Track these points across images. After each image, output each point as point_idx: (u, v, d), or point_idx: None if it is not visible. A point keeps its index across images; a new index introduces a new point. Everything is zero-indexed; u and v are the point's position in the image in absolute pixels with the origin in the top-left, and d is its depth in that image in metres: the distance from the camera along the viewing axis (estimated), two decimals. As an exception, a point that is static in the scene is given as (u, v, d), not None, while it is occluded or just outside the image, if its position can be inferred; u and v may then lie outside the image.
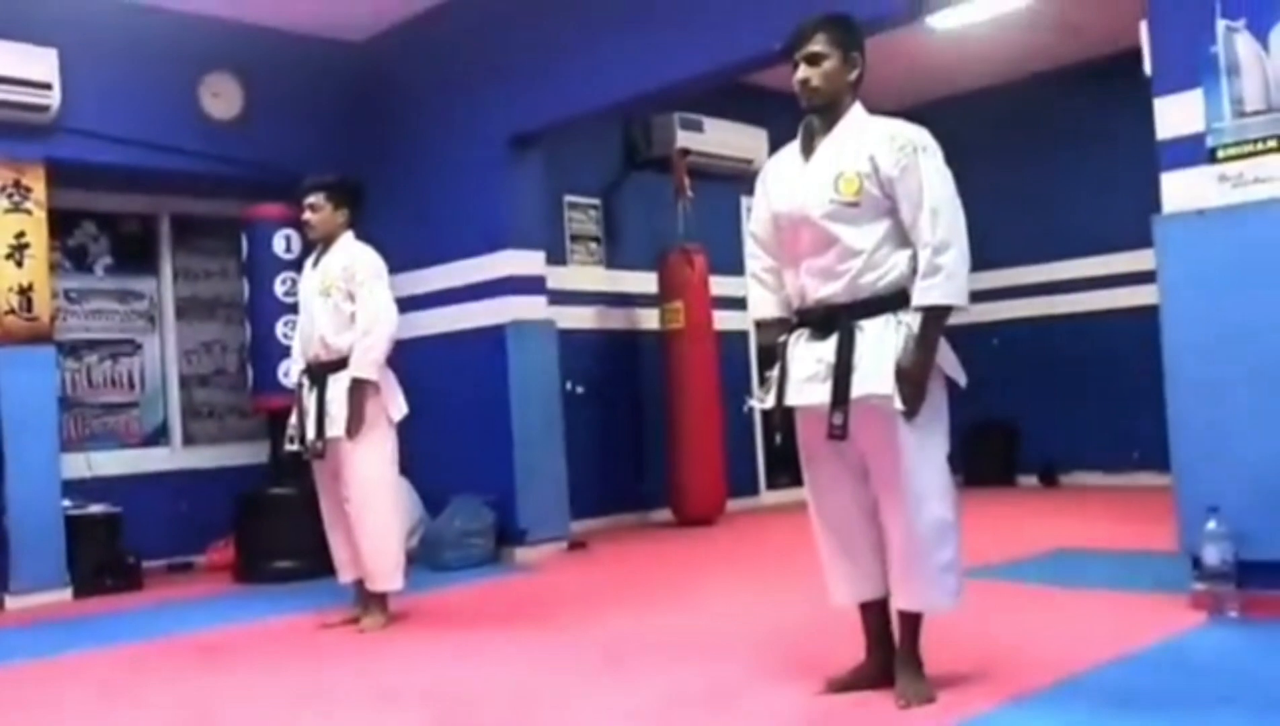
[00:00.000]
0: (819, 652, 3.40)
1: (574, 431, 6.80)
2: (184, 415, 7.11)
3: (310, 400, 4.54)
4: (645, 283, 7.75)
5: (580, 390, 7.40)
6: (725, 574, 5.42)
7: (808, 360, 2.90)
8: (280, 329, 6.37)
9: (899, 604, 2.95)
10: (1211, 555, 3.61)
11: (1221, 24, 3.71)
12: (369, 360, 4.41)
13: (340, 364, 4.47)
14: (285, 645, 4.32)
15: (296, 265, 6.42)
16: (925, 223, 2.78)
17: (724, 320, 7.95)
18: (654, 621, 4.31)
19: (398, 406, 4.56)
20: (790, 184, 2.97)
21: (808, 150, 2.97)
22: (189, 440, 7.11)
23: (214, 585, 6.10)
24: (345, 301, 4.48)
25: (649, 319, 7.76)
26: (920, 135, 2.88)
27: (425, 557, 6.12)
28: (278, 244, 6.45)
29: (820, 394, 2.84)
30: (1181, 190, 3.81)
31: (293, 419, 4.69)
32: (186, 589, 6.04)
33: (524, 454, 6.37)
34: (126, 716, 3.40)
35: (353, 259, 4.55)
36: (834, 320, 2.86)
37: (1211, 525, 3.61)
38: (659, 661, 3.61)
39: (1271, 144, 3.63)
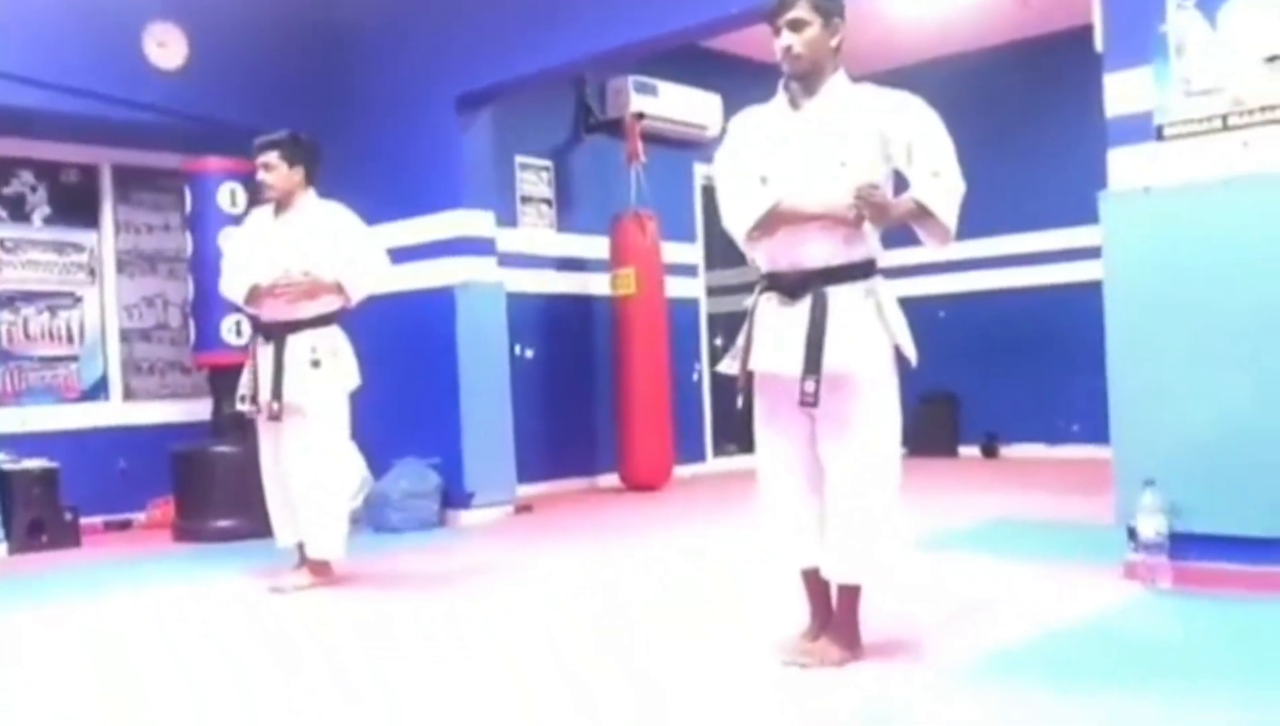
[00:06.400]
0: (766, 616, 3.44)
1: (522, 395, 6.79)
2: (124, 370, 6.98)
3: (267, 359, 4.46)
4: (596, 247, 7.72)
5: (529, 354, 7.38)
6: (672, 538, 5.44)
7: (777, 326, 2.91)
8: (224, 285, 6.26)
9: (840, 575, 2.96)
10: (1146, 527, 3.68)
11: (1171, 2, 3.74)
12: (367, 280, 4.49)
13: (301, 325, 4.43)
14: (224, 602, 4.27)
15: (241, 220, 6.29)
16: (930, 175, 2.83)
17: (675, 287, 7.95)
18: (601, 584, 4.33)
19: (352, 375, 4.54)
20: (781, 143, 2.95)
21: (796, 106, 2.97)
22: (129, 395, 6.99)
23: (153, 543, 6.03)
24: (324, 264, 4.43)
25: (600, 284, 7.73)
26: (923, 103, 2.92)
27: (370, 519, 6.09)
28: (222, 198, 6.34)
29: (790, 361, 2.84)
30: (1128, 167, 3.85)
31: (245, 377, 4.61)
32: (125, 546, 5.97)
33: (471, 417, 6.35)
34: (57, 678, 3.34)
35: (327, 217, 4.54)
36: (806, 286, 2.87)
37: (1147, 498, 3.67)
38: (608, 624, 3.63)
39: (1216, 124, 3.67)
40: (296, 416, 4.41)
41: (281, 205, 4.58)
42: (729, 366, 3.07)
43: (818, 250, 2.88)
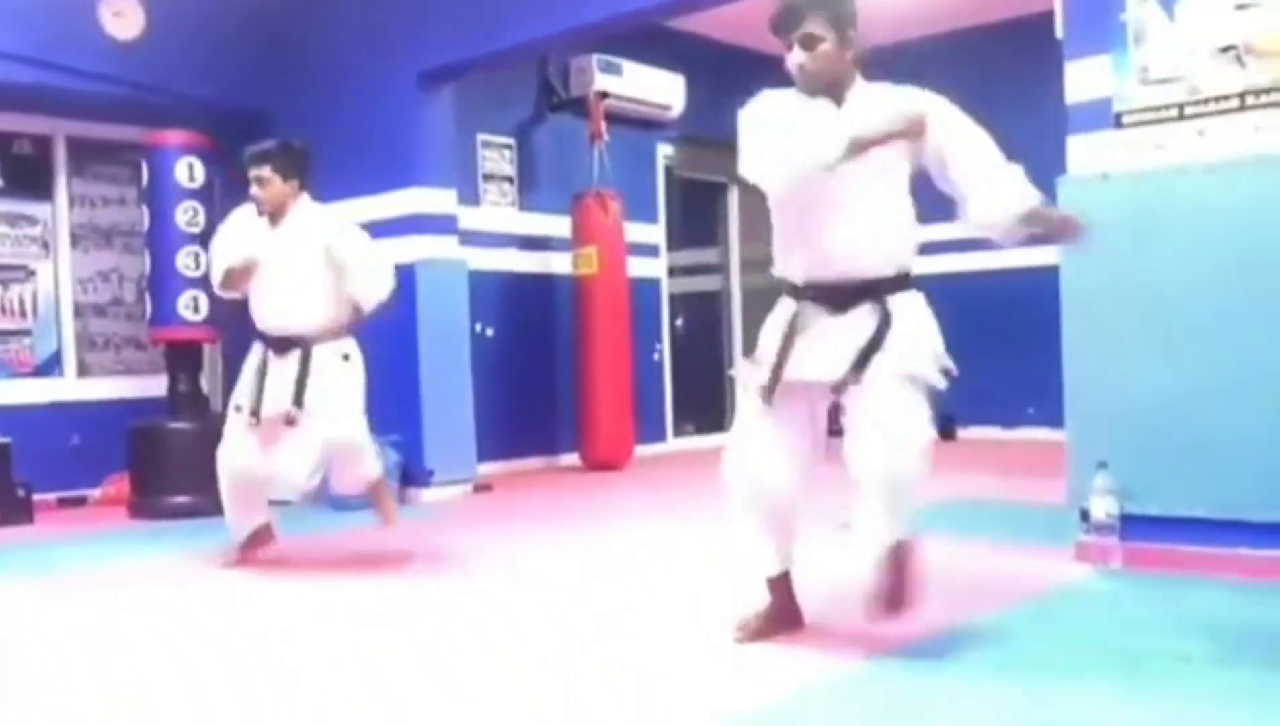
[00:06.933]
0: (726, 596, 3.47)
1: (482, 374, 6.77)
2: (79, 345, 6.90)
3: (287, 368, 4.28)
4: (558, 226, 7.71)
5: (490, 332, 7.36)
6: (632, 517, 5.46)
7: (827, 335, 2.79)
8: (181, 260, 6.21)
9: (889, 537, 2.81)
10: (1098, 508, 3.74)
11: (1131, -9, 3.78)
12: (375, 288, 4.35)
13: (320, 337, 4.30)
14: (183, 580, 4.25)
15: (199, 194, 6.26)
16: (981, 165, 2.81)
17: (637, 266, 7.95)
18: (561, 563, 4.34)
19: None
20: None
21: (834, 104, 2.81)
22: (84, 371, 6.91)
23: (108, 520, 5.97)
24: (326, 272, 4.31)
25: (561, 263, 7.72)
26: (945, 102, 2.86)
27: (327, 496, 6.04)
28: (180, 172, 6.26)
29: (837, 368, 2.75)
30: (1087, 153, 3.89)
31: (244, 384, 4.39)
32: (79, 523, 5.91)
33: (431, 395, 6.33)
34: (17, 652, 3.31)
35: (324, 227, 4.39)
36: (863, 294, 2.76)
37: (1099, 480, 3.74)
38: (565, 601, 3.64)
39: (1173, 112, 3.72)
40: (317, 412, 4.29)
41: (276, 215, 4.40)
42: (754, 374, 2.88)
43: (877, 256, 2.79)
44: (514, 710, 2.58)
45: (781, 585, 3.07)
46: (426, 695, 2.72)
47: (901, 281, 2.83)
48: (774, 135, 2.75)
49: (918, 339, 2.80)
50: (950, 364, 2.88)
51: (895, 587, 2.84)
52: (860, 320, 2.77)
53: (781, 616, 3.07)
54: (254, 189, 4.37)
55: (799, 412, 2.87)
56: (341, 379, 4.35)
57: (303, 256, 4.34)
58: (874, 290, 2.78)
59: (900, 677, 2.71)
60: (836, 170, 2.67)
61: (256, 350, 4.42)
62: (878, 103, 2.81)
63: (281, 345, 4.35)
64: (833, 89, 2.81)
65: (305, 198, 4.46)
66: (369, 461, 4.49)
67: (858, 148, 2.66)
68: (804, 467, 2.92)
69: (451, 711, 2.60)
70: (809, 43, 2.76)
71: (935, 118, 2.78)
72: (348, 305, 4.38)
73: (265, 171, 4.34)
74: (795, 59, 2.79)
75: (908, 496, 2.81)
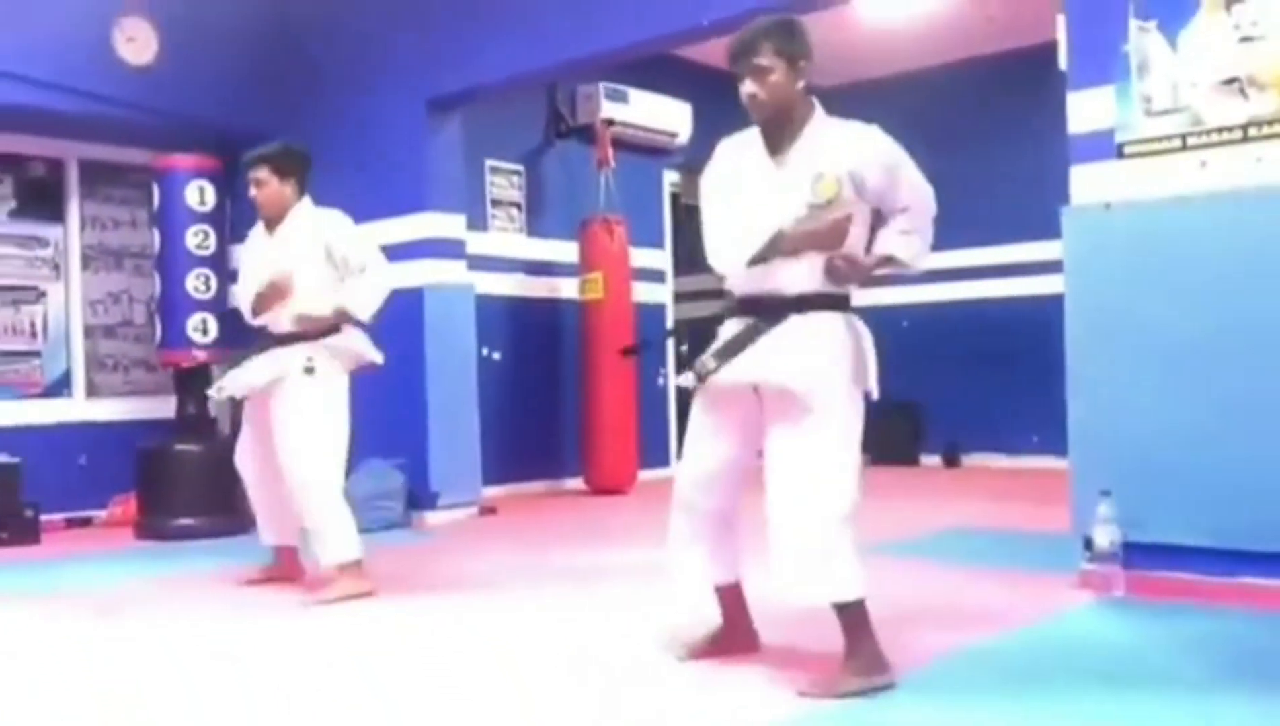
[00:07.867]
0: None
1: (489, 397, 6.80)
2: (88, 366, 6.94)
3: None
4: (565, 252, 7.75)
5: (497, 356, 7.39)
6: (637, 540, 5.46)
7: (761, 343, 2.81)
8: (191, 282, 6.26)
9: (803, 597, 2.83)
10: (1101, 536, 3.75)
11: (1134, 24, 3.82)
12: (370, 299, 4.22)
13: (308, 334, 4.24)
14: (189, 601, 4.26)
15: (209, 218, 6.33)
16: (900, 233, 2.84)
17: (643, 292, 7.99)
18: (567, 582, 4.35)
19: (372, 352, 4.39)
20: (760, 190, 2.83)
21: (774, 152, 2.86)
22: (93, 392, 6.94)
23: (115, 541, 5.99)
24: (322, 268, 4.24)
25: (568, 288, 7.76)
26: (892, 144, 2.86)
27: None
28: (191, 195, 6.32)
29: (758, 371, 2.79)
30: (1090, 184, 3.92)
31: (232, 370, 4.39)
32: (86, 543, 5.93)
33: (437, 418, 6.35)
34: (21, 671, 3.33)
35: (324, 224, 4.32)
36: (785, 310, 2.79)
37: (1103, 508, 3.75)
38: (573, 616, 3.66)
39: (1175, 143, 3.75)
40: (289, 401, 4.21)
41: (274, 220, 4.37)
42: (687, 377, 2.93)
43: (797, 278, 2.80)
44: (513, 713, 2.61)
45: (731, 596, 3.08)
46: (429, 704, 2.74)
47: (829, 301, 2.82)
48: (711, 226, 2.88)
49: (816, 350, 2.79)
50: (875, 387, 2.86)
51: (867, 646, 2.84)
52: (779, 329, 2.79)
53: (729, 634, 3.09)
54: (252, 191, 4.32)
55: (733, 417, 2.90)
56: (310, 402, 4.21)
57: (297, 258, 4.25)
58: (795, 306, 2.80)
59: (903, 700, 2.72)
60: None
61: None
62: (833, 145, 2.81)
63: (273, 340, 4.29)
64: (784, 120, 2.83)
65: (305, 202, 4.38)
66: (331, 534, 4.19)
67: (775, 251, 2.77)
68: (738, 473, 2.96)
69: (452, 717, 2.62)
70: (759, 74, 2.79)
71: (879, 165, 2.81)
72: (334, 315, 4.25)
73: (262, 173, 4.29)
74: (746, 90, 2.83)
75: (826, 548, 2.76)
